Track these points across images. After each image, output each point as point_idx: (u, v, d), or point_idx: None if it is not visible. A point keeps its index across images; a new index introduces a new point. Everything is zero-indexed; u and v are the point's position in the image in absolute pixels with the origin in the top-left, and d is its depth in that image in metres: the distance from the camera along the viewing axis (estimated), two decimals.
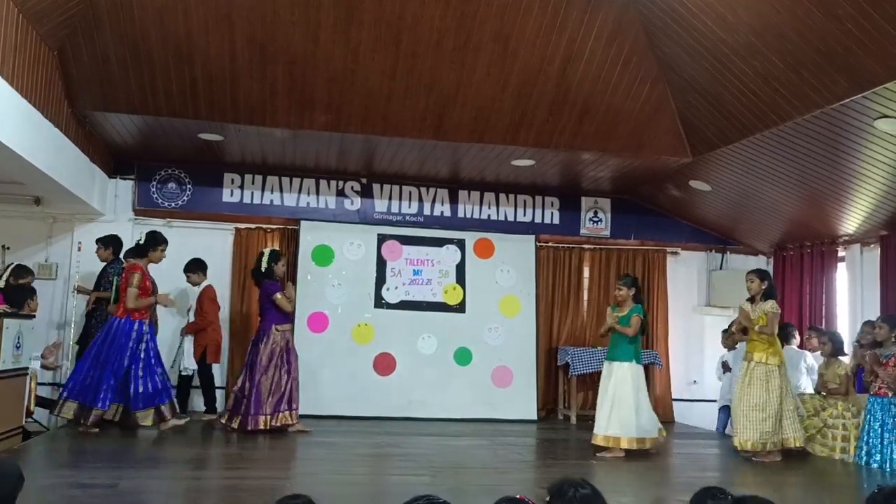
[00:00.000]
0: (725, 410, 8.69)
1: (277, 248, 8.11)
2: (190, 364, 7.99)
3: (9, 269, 7.22)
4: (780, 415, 6.71)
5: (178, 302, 7.59)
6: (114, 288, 7.62)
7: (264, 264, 7.46)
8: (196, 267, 7.98)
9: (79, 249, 8.26)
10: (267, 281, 7.43)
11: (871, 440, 6.50)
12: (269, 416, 7.19)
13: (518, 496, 2.66)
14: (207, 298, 8.11)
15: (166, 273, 8.01)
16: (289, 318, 7.51)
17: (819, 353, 7.63)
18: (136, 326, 6.93)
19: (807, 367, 8.07)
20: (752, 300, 6.94)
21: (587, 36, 6.81)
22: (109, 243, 7.97)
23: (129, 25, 6.53)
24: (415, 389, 8.95)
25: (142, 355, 6.91)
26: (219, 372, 8.85)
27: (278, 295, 7.32)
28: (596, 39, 6.84)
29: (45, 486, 4.61)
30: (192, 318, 8.27)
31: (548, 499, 2.76)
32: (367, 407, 8.73)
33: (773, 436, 6.68)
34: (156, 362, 7.03)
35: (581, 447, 6.93)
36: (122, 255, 7.95)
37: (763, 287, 6.86)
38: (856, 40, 5.28)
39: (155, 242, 7.26)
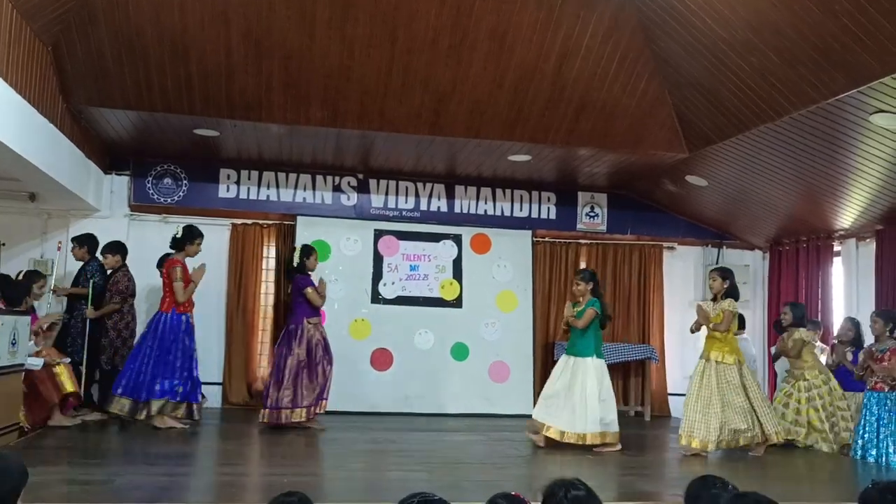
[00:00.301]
0: None
1: (309, 244, 8.02)
2: None
3: (21, 275, 7.19)
4: (753, 411, 6.66)
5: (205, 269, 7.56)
6: (91, 287, 7.58)
7: (296, 259, 7.51)
8: None
9: (58, 249, 8.19)
10: (299, 275, 7.47)
11: (867, 435, 6.54)
12: (308, 408, 7.26)
13: (513, 493, 2.66)
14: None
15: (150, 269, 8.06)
16: (318, 311, 7.52)
17: (783, 324, 7.57)
18: (183, 319, 7.07)
19: None
20: (714, 299, 6.92)
21: (583, 32, 6.80)
22: (84, 242, 7.87)
23: (124, 21, 6.51)
24: (412, 385, 8.96)
25: (183, 347, 7.04)
26: (216, 367, 8.87)
27: (309, 289, 7.37)
28: (592, 36, 6.83)
29: (40, 482, 4.60)
30: None
31: (541, 500, 2.76)
32: (364, 402, 8.74)
33: (749, 431, 6.62)
34: (194, 357, 7.17)
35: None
36: (98, 254, 7.87)
37: (725, 286, 6.84)
38: (852, 36, 5.28)
39: (191, 236, 7.27)
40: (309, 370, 7.29)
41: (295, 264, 7.51)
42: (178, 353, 7.01)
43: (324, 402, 7.41)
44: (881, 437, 6.41)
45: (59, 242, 8.27)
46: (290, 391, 7.19)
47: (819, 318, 8.84)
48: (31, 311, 7.14)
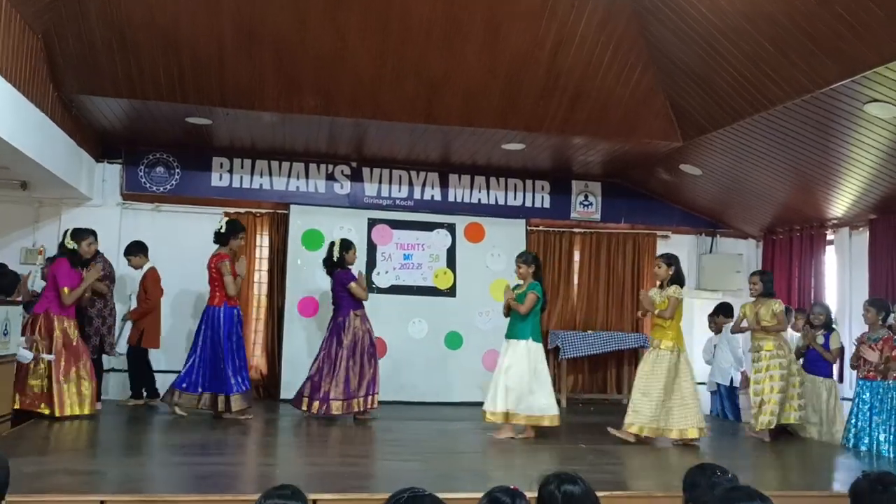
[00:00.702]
0: (716, 393, 8.79)
1: (348, 238, 8.06)
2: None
3: (67, 234, 6.97)
4: (671, 402, 6.50)
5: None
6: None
7: (336, 254, 7.52)
8: (137, 249, 7.92)
9: (40, 253, 8.13)
10: (340, 270, 7.50)
11: (859, 423, 6.56)
12: (361, 399, 7.35)
13: (512, 487, 2.67)
14: (153, 281, 7.97)
15: (155, 262, 8.04)
16: (362, 303, 7.58)
17: (750, 293, 7.32)
18: (235, 312, 7.22)
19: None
20: (660, 285, 6.81)
21: (577, 21, 6.77)
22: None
23: (115, 9, 6.45)
24: (406, 374, 8.96)
25: (238, 339, 7.21)
26: None
27: (353, 284, 7.43)
28: (586, 24, 6.80)
29: (33, 472, 4.60)
30: (133, 303, 8.13)
31: (545, 491, 2.76)
32: None
33: (655, 421, 6.47)
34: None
35: (571, 431, 6.95)
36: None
37: (670, 273, 6.71)
38: (846, 24, 5.27)
39: (234, 231, 7.34)
40: (356, 361, 7.36)
41: (335, 259, 7.53)
42: (242, 345, 7.24)
43: (375, 395, 7.48)
44: (873, 425, 6.43)
45: (42, 246, 8.21)
46: (342, 383, 7.24)
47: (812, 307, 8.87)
48: (81, 267, 6.97)
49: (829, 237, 8.96)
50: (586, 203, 9.90)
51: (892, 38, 5.11)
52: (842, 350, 7.50)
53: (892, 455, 6.23)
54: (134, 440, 6.34)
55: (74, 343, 6.77)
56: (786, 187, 8.27)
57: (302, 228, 9.09)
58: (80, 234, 6.93)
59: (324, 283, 8.99)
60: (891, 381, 6.42)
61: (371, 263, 9.19)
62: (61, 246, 6.92)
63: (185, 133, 8.35)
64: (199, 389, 7.03)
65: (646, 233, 10.03)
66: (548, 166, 9.38)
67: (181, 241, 8.79)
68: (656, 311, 6.70)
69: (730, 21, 6.03)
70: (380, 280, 9.18)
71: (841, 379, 7.88)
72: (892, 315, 6.53)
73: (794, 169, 7.68)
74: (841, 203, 8.19)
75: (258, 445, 6.55)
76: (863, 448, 6.48)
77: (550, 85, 7.34)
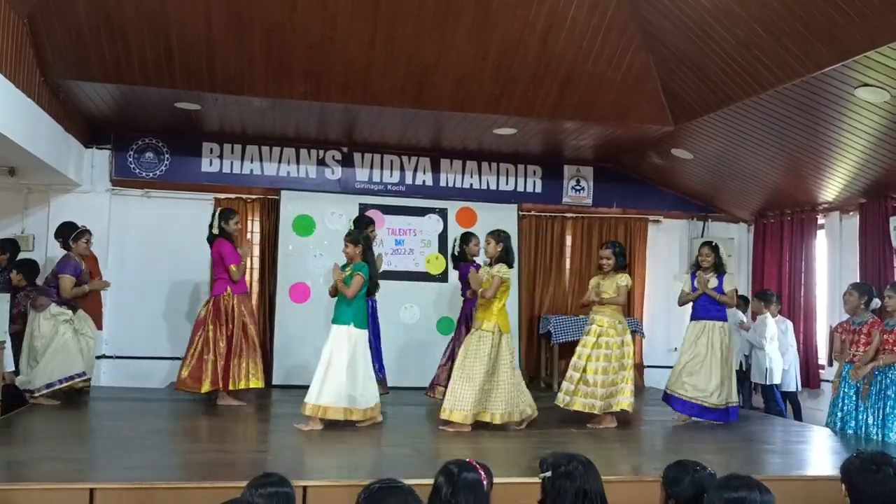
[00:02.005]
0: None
1: (470, 230, 8.05)
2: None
3: (216, 216, 7.10)
4: (489, 384, 6.23)
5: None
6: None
7: (457, 247, 7.62)
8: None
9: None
10: (463, 263, 7.56)
11: (845, 407, 6.59)
12: None
13: (468, 460, 2.72)
14: (96, 262, 7.85)
15: (145, 248, 7.99)
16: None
17: (604, 269, 6.99)
18: (370, 304, 7.35)
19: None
20: (490, 263, 6.52)
21: (568, 4, 6.73)
22: (7, 248, 7.66)
23: None
24: (397, 359, 8.94)
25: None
26: None
27: (470, 276, 7.42)
28: (578, 8, 6.76)
29: (22, 461, 4.60)
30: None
31: (549, 473, 2.78)
32: None
33: (478, 405, 6.18)
34: None
35: (562, 415, 6.96)
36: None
37: (498, 249, 6.41)
38: (837, 8, 5.25)
39: (363, 227, 7.47)
40: None
41: (456, 252, 7.60)
42: (377, 335, 7.49)
43: None
44: (860, 408, 6.46)
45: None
46: None
47: (802, 292, 8.90)
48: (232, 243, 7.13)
49: (820, 221, 8.99)
50: (578, 188, 9.90)
51: (885, 23, 5.10)
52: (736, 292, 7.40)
53: (880, 438, 6.26)
54: (127, 428, 6.32)
55: (250, 323, 7.12)
56: (777, 171, 8.28)
57: (293, 214, 9.06)
58: (227, 214, 7.21)
59: (315, 268, 9.00)
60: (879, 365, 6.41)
61: None
62: (219, 228, 7.05)
63: (175, 118, 8.29)
64: None
65: (637, 217, 10.03)
66: (539, 151, 9.36)
67: (171, 227, 8.75)
68: (480, 291, 6.34)
69: (721, 5, 6.00)
70: None
71: (831, 362, 7.93)
72: (875, 300, 6.54)
73: (785, 153, 7.69)
74: (831, 187, 8.20)
75: (246, 433, 6.53)
76: (849, 431, 6.51)
77: (542, 69, 7.30)
